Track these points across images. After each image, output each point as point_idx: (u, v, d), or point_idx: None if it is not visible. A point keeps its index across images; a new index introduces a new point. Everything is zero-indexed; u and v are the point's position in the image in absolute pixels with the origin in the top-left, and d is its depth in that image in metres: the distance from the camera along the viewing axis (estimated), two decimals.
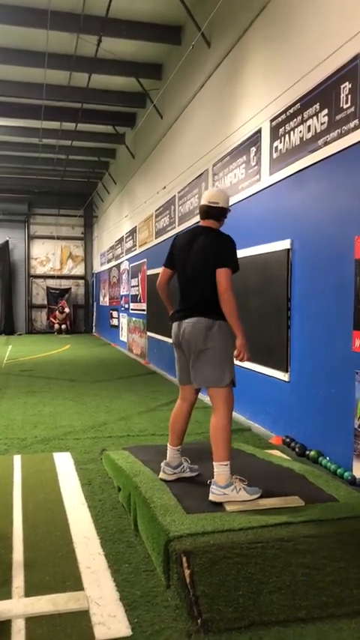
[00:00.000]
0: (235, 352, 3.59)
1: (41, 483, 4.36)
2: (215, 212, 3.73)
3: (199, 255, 3.62)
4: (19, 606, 2.65)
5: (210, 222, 3.75)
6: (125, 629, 2.50)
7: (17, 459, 4.98)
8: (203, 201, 3.77)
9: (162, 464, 3.87)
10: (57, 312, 22.34)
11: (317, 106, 4.99)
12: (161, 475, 3.82)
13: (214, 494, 3.39)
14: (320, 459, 4.81)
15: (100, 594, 2.77)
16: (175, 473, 3.82)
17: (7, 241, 22.16)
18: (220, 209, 3.74)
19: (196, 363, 3.62)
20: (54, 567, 3.03)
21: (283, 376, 5.63)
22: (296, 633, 2.51)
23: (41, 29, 8.89)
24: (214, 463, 3.48)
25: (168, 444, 3.87)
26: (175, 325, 3.78)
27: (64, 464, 4.87)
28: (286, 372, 5.56)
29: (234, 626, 2.54)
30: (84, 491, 4.19)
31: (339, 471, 4.48)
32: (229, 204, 3.84)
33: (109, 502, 3.98)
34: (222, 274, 3.51)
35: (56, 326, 22.31)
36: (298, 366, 5.39)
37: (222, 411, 3.53)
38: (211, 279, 3.54)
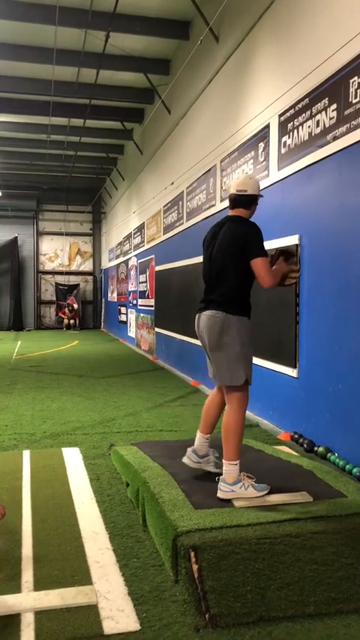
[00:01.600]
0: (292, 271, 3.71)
1: (50, 478, 4.38)
2: (243, 200, 3.63)
3: (222, 247, 3.56)
4: (29, 600, 2.67)
5: (238, 211, 3.66)
6: (133, 624, 2.51)
7: (26, 454, 5.01)
8: (231, 190, 3.67)
9: (188, 449, 3.81)
10: (67, 310, 22.37)
11: (326, 100, 4.96)
12: (185, 459, 3.77)
13: (222, 492, 3.39)
14: (329, 454, 4.80)
15: (108, 589, 2.79)
16: (199, 462, 3.76)
17: (15, 237, 22.22)
18: (249, 196, 3.63)
19: (212, 358, 3.57)
20: (63, 562, 3.05)
21: (291, 372, 5.62)
22: (304, 629, 2.51)
23: (49, 25, 8.89)
24: (223, 461, 3.47)
25: (198, 431, 3.82)
26: (196, 317, 3.72)
27: (73, 459, 4.89)
28: (295, 367, 5.55)
29: (242, 621, 2.55)
30: (92, 487, 4.21)
31: (347, 467, 4.47)
32: (259, 190, 3.72)
33: (117, 497, 4.00)
34: (257, 265, 3.44)
35: (65, 321, 22.34)
36: (306, 361, 5.38)
37: (235, 409, 3.49)
38: (233, 271, 3.49)
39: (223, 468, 3.46)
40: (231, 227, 3.58)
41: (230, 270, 3.50)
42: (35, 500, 3.92)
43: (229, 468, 3.43)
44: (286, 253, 3.81)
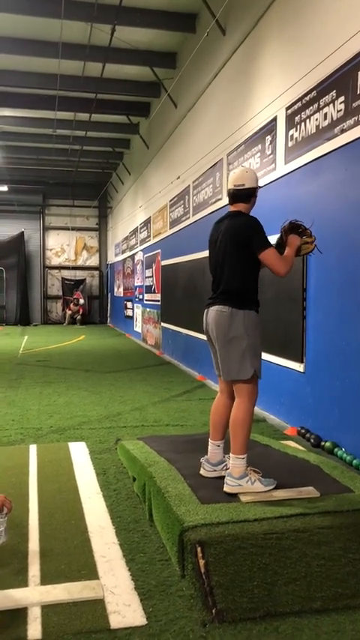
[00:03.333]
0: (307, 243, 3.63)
1: (57, 473, 4.39)
2: (242, 194, 3.61)
3: (224, 243, 3.55)
4: (35, 594, 2.67)
5: (238, 206, 3.63)
6: (140, 618, 2.51)
7: (33, 449, 5.02)
8: (229, 185, 3.65)
9: (202, 459, 3.74)
10: (72, 305, 22.34)
11: (334, 93, 4.92)
12: (201, 471, 3.69)
13: (229, 486, 3.38)
14: (335, 449, 4.78)
15: (115, 583, 2.79)
16: (215, 470, 3.67)
17: (22, 232, 22.24)
18: (247, 190, 3.61)
19: (221, 354, 3.54)
20: (69, 556, 3.05)
21: (298, 367, 5.60)
22: (311, 624, 2.50)
23: (55, 19, 8.85)
24: (230, 455, 3.46)
25: (209, 439, 3.74)
26: (204, 314, 3.70)
27: (79, 453, 4.89)
28: (301, 362, 5.53)
29: (249, 617, 2.54)
30: (99, 481, 4.21)
31: (355, 462, 4.45)
32: (258, 181, 3.68)
33: (123, 492, 4.00)
34: (266, 258, 3.43)
35: (69, 311, 22.19)
36: (313, 356, 5.36)
37: (244, 404, 3.47)
38: (236, 266, 3.48)
39: (230, 462, 3.45)
40: (231, 223, 3.57)
41: (234, 266, 3.50)
42: (42, 495, 3.93)
43: (237, 462, 3.42)
44: (293, 228, 3.71)
